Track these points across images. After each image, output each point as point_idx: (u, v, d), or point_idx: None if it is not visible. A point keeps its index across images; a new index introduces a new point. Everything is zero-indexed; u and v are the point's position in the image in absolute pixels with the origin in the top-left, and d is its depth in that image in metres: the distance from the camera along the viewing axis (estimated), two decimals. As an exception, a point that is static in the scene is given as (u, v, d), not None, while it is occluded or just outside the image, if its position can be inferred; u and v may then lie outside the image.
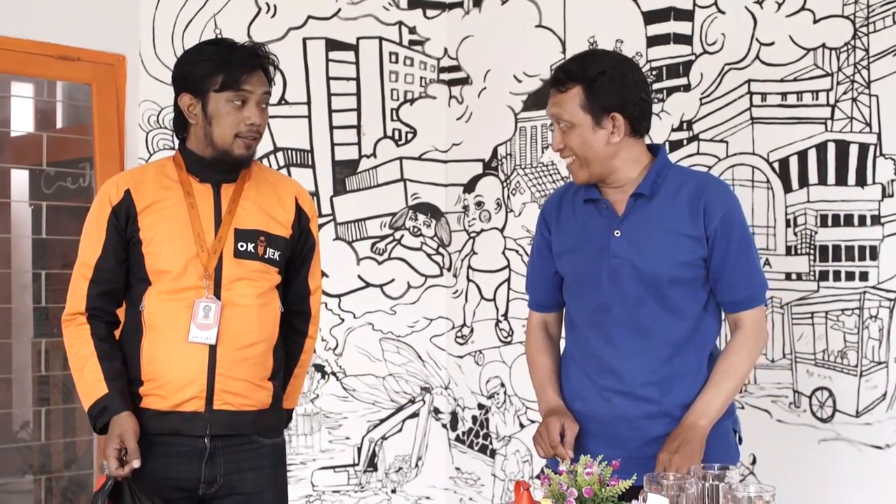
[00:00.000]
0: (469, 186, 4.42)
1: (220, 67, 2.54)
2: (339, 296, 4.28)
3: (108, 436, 2.48)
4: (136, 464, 2.42)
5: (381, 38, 4.41)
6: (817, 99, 3.22)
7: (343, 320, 4.31)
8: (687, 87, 3.55)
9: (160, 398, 2.53)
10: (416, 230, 4.48)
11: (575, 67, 2.50)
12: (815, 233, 3.20)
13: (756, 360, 2.69)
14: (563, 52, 4.00)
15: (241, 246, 2.59)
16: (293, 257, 2.73)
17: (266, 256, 2.62)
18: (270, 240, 2.63)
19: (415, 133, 4.49)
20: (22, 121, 4.22)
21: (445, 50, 4.52)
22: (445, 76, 4.52)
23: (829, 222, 3.18)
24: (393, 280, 4.43)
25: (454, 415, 4.48)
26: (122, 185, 2.61)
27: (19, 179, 4.16)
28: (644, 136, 2.57)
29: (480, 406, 4.35)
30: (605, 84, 2.46)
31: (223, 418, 2.55)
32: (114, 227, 2.58)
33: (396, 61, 4.44)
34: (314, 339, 2.86)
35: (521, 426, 4.14)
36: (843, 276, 3.15)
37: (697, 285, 2.52)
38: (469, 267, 4.42)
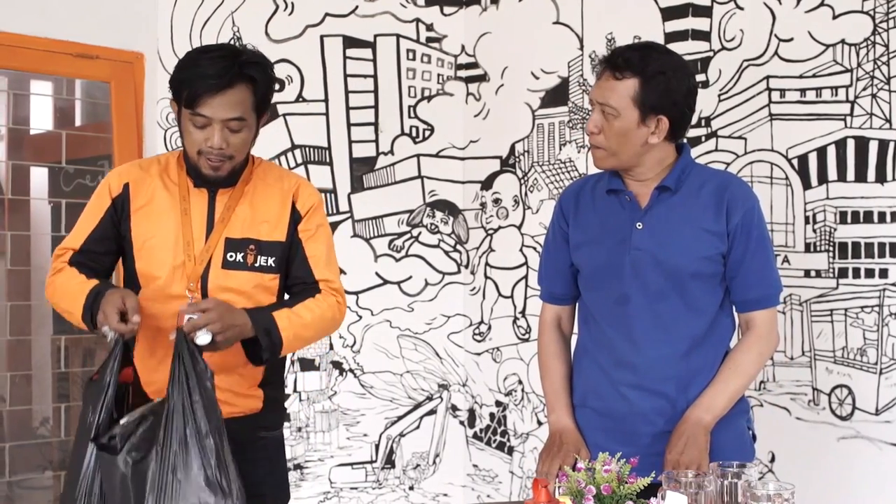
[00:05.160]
0: (487, 183, 4.42)
1: (185, 84, 2.44)
2: (356, 293, 4.29)
3: (107, 301, 2.36)
4: (137, 318, 2.32)
5: (398, 36, 4.41)
6: (836, 95, 3.20)
7: (361, 317, 4.32)
8: (705, 84, 3.54)
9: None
10: (433, 227, 4.48)
11: (636, 58, 2.44)
12: (835, 230, 3.18)
13: (766, 362, 2.67)
14: (581, 48, 3.99)
15: (231, 256, 2.52)
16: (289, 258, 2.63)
17: (257, 265, 2.55)
18: (262, 247, 2.55)
19: (432, 130, 4.49)
20: (41, 119, 4.22)
21: (463, 47, 4.52)
22: (463, 73, 4.52)
23: (849, 219, 3.16)
24: (410, 277, 4.44)
25: (472, 412, 4.48)
26: (124, 178, 2.59)
27: (39, 177, 4.17)
28: (678, 140, 2.56)
29: (498, 403, 4.35)
30: (662, 84, 2.43)
31: None
32: (110, 218, 2.57)
33: (414, 58, 4.44)
34: (331, 300, 2.60)
35: (539, 423, 4.13)
36: (862, 273, 3.13)
37: (716, 281, 2.51)
38: (487, 264, 4.42)
